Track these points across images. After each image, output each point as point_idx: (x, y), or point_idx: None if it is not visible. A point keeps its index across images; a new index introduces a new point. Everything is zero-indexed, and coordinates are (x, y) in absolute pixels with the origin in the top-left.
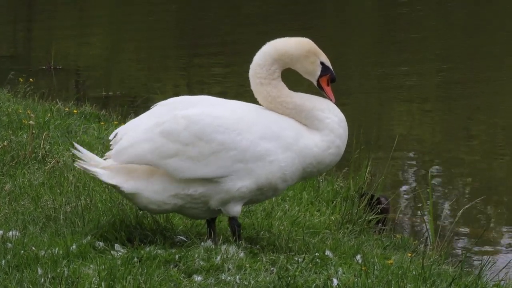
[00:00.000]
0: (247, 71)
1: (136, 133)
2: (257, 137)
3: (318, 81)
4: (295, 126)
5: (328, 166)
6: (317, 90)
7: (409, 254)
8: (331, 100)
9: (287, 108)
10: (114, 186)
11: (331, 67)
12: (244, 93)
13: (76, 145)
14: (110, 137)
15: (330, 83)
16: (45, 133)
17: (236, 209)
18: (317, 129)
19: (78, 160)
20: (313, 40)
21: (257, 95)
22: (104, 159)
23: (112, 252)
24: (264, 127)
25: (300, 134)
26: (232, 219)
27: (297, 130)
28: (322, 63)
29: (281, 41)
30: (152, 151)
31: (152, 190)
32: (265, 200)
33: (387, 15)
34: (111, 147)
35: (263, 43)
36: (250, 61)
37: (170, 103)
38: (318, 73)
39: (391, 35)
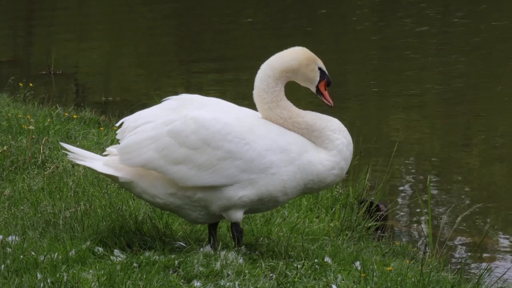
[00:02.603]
0: (247, 78)
1: (143, 132)
2: (263, 148)
3: (317, 86)
4: (300, 141)
5: (328, 185)
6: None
7: (408, 261)
8: (329, 104)
9: (300, 128)
10: (109, 176)
11: (326, 71)
12: (244, 100)
13: (63, 144)
14: (117, 125)
15: (327, 86)
16: (44, 138)
17: (237, 215)
18: (325, 148)
19: (71, 158)
20: (309, 47)
21: (267, 119)
22: (104, 155)
23: (111, 257)
24: (271, 140)
25: (304, 150)
26: (234, 225)
27: (302, 145)
28: (319, 69)
29: (277, 58)
30: (159, 151)
31: (149, 183)
32: (266, 210)
33: (386, 20)
34: (117, 136)
35: (263, 48)
36: (251, 67)
37: (181, 99)
38: (318, 78)
39: (390, 41)
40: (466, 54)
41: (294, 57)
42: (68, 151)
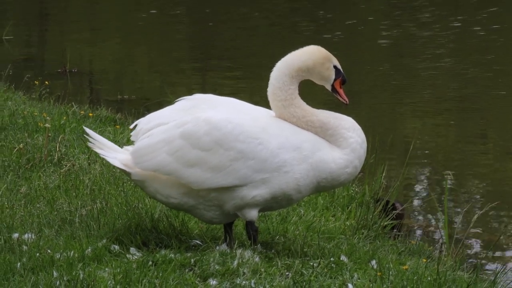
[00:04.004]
0: (261, 75)
1: (156, 135)
2: (276, 147)
3: (332, 85)
4: (313, 139)
5: (341, 183)
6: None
7: (424, 260)
8: (345, 101)
9: (313, 126)
10: (124, 171)
11: (341, 70)
12: (258, 96)
13: (86, 129)
14: (131, 127)
15: (342, 85)
16: (60, 136)
17: (252, 213)
18: (339, 147)
19: (91, 143)
20: (325, 47)
21: (280, 117)
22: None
23: (127, 255)
24: (284, 138)
25: (317, 148)
26: (249, 223)
27: (315, 143)
28: (334, 67)
29: (293, 57)
30: (171, 154)
31: (162, 182)
32: (279, 209)
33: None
34: (131, 138)
35: (276, 46)
36: (264, 64)
37: (194, 99)
38: (333, 77)
39: (404, 41)
40: (482, 54)
41: (310, 56)
42: (90, 136)
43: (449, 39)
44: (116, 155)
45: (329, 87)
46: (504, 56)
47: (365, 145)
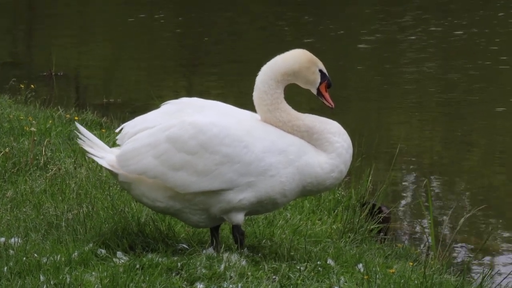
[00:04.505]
0: (248, 79)
1: (141, 138)
2: (261, 151)
3: (318, 89)
4: (299, 143)
5: (327, 188)
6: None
7: (411, 263)
8: (330, 106)
9: (299, 131)
10: (111, 172)
11: (327, 73)
12: (244, 101)
13: (79, 125)
14: (116, 130)
15: (328, 88)
16: (46, 140)
17: (238, 217)
18: (324, 151)
19: (81, 140)
20: (310, 49)
21: (266, 121)
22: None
23: (114, 259)
24: (269, 142)
25: (303, 152)
26: (235, 227)
27: (301, 147)
28: (320, 71)
29: (278, 61)
30: (157, 157)
31: (149, 185)
32: (265, 212)
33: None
34: (117, 141)
35: (266, 51)
36: (251, 69)
37: (180, 103)
38: (319, 81)
39: (391, 41)
40: (467, 57)
41: (295, 60)
42: (80, 133)
43: (429, 43)
44: (104, 155)
45: (314, 91)
46: (491, 59)
47: (351, 150)
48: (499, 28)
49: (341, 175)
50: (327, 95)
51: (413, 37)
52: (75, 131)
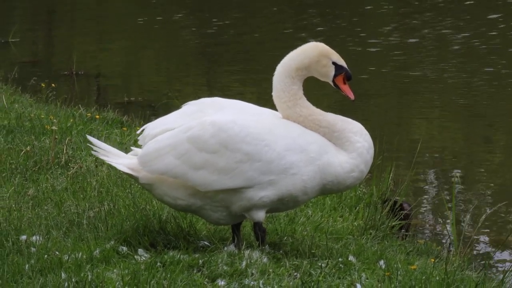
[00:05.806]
0: (268, 77)
1: (163, 140)
2: (283, 149)
3: (333, 81)
4: (320, 141)
5: (347, 187)
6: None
7: (432, 260)
8: (350, 98)
9: (320, 126)
10: (131, 176)
11: (345, 65)
12: (265, 99)
13: (89, 137)
14: (138, 132)
15: (347, 81)
16: (67, 139)
17: (259, 214)
18: (345, 150)
19: (95, 151)
20: (328, 43)
21: (287, 118)
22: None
23: (135, 256)
24: (291, 140)
25: (324, 150)
26: (256, 224)
27: (322, 145)
28: (334, 63)
29: (290, 57)
30: (178, 157)
31: (170, 184)
32: (286, 210)
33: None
34: (138, 142)
35: (283, 47)
36: (270, 67)
37: (200, 104)
38: (332, 73)
39: (410, 36)
40: (490, 54)
41: (306, 54)
42: (93, 145)
43: (451, 39)
44: (122, 161)
45: (331, 83)
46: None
47: (372, 150)
48: None
49: (362, 175)
50: (345, 87)
51: (433, 34)
52: (88, 144)
